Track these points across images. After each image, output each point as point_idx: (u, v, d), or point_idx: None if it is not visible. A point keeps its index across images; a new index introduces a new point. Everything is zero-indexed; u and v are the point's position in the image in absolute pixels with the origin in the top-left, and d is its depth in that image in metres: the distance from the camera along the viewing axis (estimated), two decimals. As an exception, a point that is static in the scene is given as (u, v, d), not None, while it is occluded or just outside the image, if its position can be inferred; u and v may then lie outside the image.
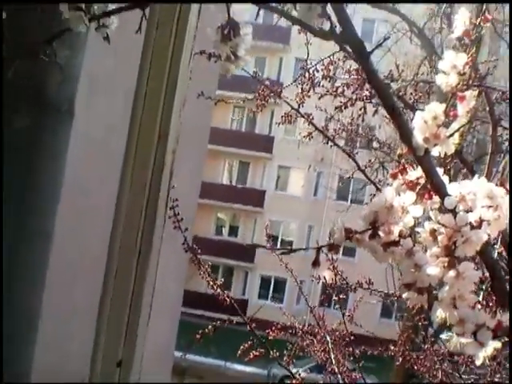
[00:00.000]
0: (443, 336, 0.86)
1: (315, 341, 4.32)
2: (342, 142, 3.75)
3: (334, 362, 3.69)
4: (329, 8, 0.97)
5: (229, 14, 1.02)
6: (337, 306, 3.56)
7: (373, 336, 4.69)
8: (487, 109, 2.36)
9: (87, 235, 1.99)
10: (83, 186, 2.19)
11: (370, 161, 3.71)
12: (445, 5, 10.14)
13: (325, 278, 3.43)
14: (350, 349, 3.44)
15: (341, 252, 0.97)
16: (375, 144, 4.88)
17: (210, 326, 2.97)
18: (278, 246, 23.59)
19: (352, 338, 3.26)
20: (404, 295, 0.86)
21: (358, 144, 4.82)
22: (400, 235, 0.89)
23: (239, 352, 3.03)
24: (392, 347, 3.85)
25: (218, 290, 2.79)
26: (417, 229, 0.93)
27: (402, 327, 5.56)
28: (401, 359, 3.70)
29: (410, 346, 3.98)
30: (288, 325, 4.47)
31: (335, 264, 3.18)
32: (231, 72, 1.07)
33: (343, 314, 3.27)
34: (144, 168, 0.84)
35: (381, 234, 0.91)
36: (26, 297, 1.38)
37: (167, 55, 0.85)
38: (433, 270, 0.86)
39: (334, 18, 0.97)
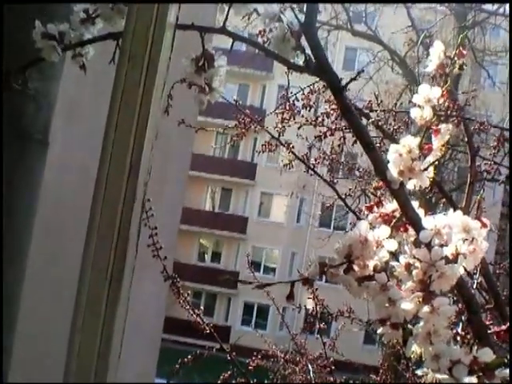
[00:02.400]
0: (419, 372, 0.84)
1: (297, 369, 4.29)
2: (324, 170, 3.75)
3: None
4: (303, 40, 0.97)
5: (203, 45, 1.01)
6: (321, 335, 3.54)
7: (356, 363, 4.67)
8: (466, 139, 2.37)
9: (58, 276, 1.98)
10: (57, 219, 2.17)
11: (350, 189, 3.71)
12: (423, 34, 10.23)
13: (305, 306, 3.42)
14: (332, 378, 3.42)
15: (324, 279, 0.96)
16: (357, 172, 4.89)
17: (189, 356, 2.94)
18: (262, 273, 23.56)
19: (333, 367, 3.24)
20: (378, 331, 0.85)
21: (340, 172, 4.83)
22: (374, 270, 0.88)
23: (219, 382, 3.00)
24: (374, 376, 3.83)
25: (198, 319, 2.77)
26: (392, 263, 0.92)
27: (383, 355, 5.54)
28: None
29: (392, 373, 3.96)
30: (270, 353, 4.45)
31: (316, 293, 3.16)
32: (205, 104, 1.06)
33: (324, 344, 3.25)
34: (114, 200, 0.83)
35: (355, 268, 0.90)
36: None
37: (139, 87, 0.84)
38: (407, 305, 0.85)
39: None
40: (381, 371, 3.88)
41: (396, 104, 2.91)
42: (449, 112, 1.82)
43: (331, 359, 3.30)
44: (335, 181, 3.19)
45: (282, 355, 4.51)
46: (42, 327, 2.06)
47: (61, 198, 2.10)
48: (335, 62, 21.95)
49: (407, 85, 11.64)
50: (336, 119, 2.64)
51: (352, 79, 0.93)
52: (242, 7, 0.96)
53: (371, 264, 0.90)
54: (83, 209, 2.14)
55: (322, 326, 3.18)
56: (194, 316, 2.88)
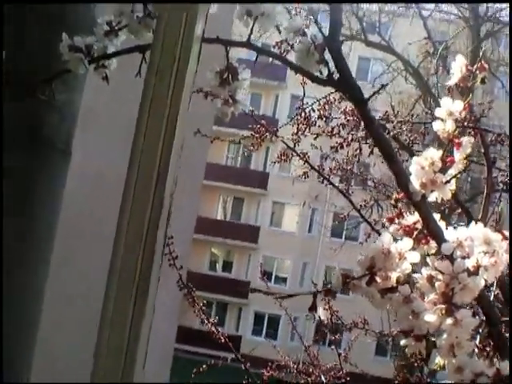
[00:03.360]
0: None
1: (310, 380, 4.28)
2: (336, 180, 3.76)
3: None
4: (327, 54, 0.98)
5: (227, 59, 1.03)
6: (332, 345, 3.53)
7: (368, 375, 4.66)
8: (482, 150, 2.37)
9: (82, 280, 1.98)
10: (79, 228, 2.19)
11: (365, 200, 3.71)
12: (442, 46, 10.24)
13: (320, 317, 3.42)
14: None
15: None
16: (370, 183, 4.89)
17: (204, 366, 2.95)
18: (273, 283, 23.53)
19: (348, 378, 3.23)
20: (402, 342, 0.86)
21: (352, 182, 4.84)
22: (397, 281, 0.89)
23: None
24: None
25: (213, 328, 2.78)
26: (414, 275, 0.93)
27: (396, 367, 5.52)
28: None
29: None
30: (282, 363, 4.44)
31: (330, 304, 3.16)
32: (229, 116, 1.08)
33: (339, 355, 3.24)
34: (142, 212, 0.84)
35: (378, 279, 0.91)
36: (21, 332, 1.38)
37: (166, 99, 0.85)
38: (430, 317, 0.85)
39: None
40: (395, 383, 3.87)
41: (412, 115, 2.92)
42: (465, 123, 1.82)
43: (345, 370, 3.29)
44: (350, 191, 3.19)
45: (295, 366, 4.50)
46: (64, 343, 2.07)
47: (80, 206, 2.12)
48: (348, 72, 21.85)
49: (420, 95, 11.63)
50: (352, 130, 2.64)
51: (375, 93, 0.95)
52: (267, 22, 0.98)
53: (394, 276, 0.91)
54: (101, 216, 2.17)
55: (336, 337, 3.18)
56: (209, 325, 2.89)
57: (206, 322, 2.85)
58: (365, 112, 0.96)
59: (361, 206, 3.27)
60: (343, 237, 19.56)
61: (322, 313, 3.43)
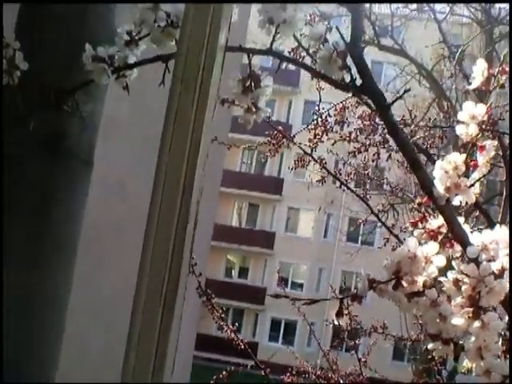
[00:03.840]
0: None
1: (329, 386, 4.28)
2: (352, 185, 3.77)
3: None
4: (349, 60, 0.99)
5: (250, 66, 1.03)
6: (351, 351, 3.53)
7: (385, 379, 4.65)
8: (500, 153, 2.37)
9: (105, 285, 1.99)
10: (100, 236, 2.21)
11: (383, 205, 3.71)
12: (460, 50, 10.22)
13: (339, 322, 3.41)
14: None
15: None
16: (386, 187, 4.89)
17: (224, 372, 2.95)
18: (289, 288, 23.52)
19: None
20: (429, 346, 0.86)
21: (368, 187, 4.84)
22: (424, 285, 0.89)
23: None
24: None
25: (232, 335, 2.78)
26: (440, 278, 0.93)
27: (415, 371, 5.51)
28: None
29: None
30: (301, 369, 4.44)
31: (349, 309, 3.15)
32: (251, 123, 1.08)
33: (359, 360, 3.24)
34: (169, 221, 0.85)
35: (404, 284, 0.91)
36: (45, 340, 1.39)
37: (191, 108, 0.86)
38: (458, 320, 0.86)
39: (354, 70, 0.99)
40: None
41: (429, 119, 2.92)
42: (483, 126, 1.83)
43: (365, 375, 3.29)
44: (368, 196, 3.20)
45: (313, 371, 4.50)
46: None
47: (101, 214, 2.13)
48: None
49: (434, 98, 11.60)
50: (369, 135, 2.65)
51: (398, 98, 0.95)
52: (288, 29, 0.98)
53: (420, 280, 0.91)
54: (122, 224, 2.18)
55: (356, 342, 3.18)
56: (228, 332, 2.89)
57: (226, 328, 2.86)
58: (388, 117, 0.97)
59: (379, 210, 3.26)
60: (359, 242, 19.54)
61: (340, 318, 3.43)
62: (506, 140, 2.53)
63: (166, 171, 0.88)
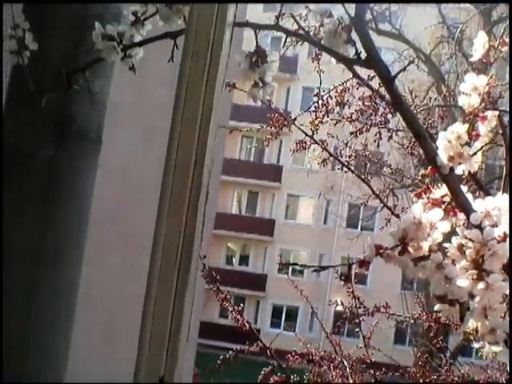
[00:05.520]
0: (476, 345, 0.88)
1: (332, 367, 4.32)
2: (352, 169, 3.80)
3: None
4: (354, 34, 1.01)
5: (257, 42, 1.06)
6: (353, 334, 3.57)
7: (389, 362, 4.69)
8: (500, 131, 2.39)
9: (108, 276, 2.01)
10: (110, 212, 2.23)
11: (383, 186, 3.74)
12: (458, 30, 10.23)
13: (342, 302, 3.46)
14: (371, 371, 3.45)
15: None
16: (387, 169, 4.92)
17: (230, 352, 2.99)
18: (289, 276, 23.50)
19: (371, 360, 3.27)
20: (436, 307, 0.89)
21: (368, 170, 4.87)
22: (430, 250, 0.92)
23: (260, 377, 3.03)
24: (413, 369, 3.87)
25: (238, 317, 2.82)
26: (444, 244, 0.96)
27: (418, 351, 5.55)
28: (421, 380, 3.71)
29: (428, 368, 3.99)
30: (305, 352, 4.48)
31: (352, 288, 3.20)
32: (258, 98, 1.11)
33: (364, 337, 3.28)
34: (182, 190, 0.88)
35: (410, 249, 0.94)
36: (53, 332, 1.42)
37: (202, 81, 0.89)
38: (463, 282, 0.89)
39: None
40: (418, 363, 3.91)
41: (429, 100, 2.94)
42: (483, 104, 1.85)
43: (369, 353, 3.33)
44: (369, 177, 3.23)
45: (316, 352, 4.55)
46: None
47: (106, 195, 2.16)
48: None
49: (433, 83, 11.62)
50: (370, 115, 2.68)
51: (402, 70, 0.98)
52: (294, 6, 1.01)
53: (425, 245, 0.94)
54: (127, 203, 2.19)
55: (360, 319, 3.22)
56: (234, 313, 2.93)
57: (230, 309, 2.89)
58: (392, 89, 1.00)
59: (379, 191, 3.29)
60: (359, 227, 19.57)
61: (339, 303, 3.47)
62: (506, 119, 2.56)
63: (179, 143, 0.90)
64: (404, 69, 0.99)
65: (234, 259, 27.17)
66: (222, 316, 23.37)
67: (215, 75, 0.92)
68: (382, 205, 5.63)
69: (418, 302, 4.18)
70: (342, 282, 0.99)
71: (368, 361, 3.27)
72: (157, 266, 0.91)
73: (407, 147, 3.18)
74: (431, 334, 3.77)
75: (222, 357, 3.01)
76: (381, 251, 0.94)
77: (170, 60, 1.08)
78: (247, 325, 2.87)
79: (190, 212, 0.90)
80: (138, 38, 1.22)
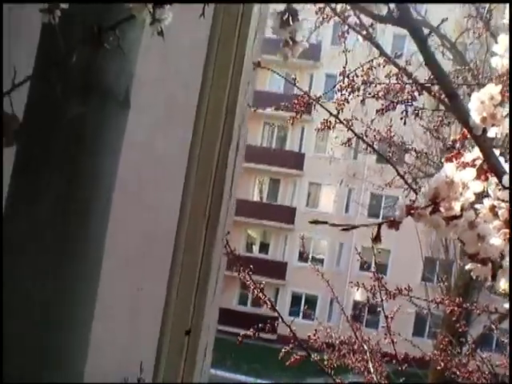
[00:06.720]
0: (506, 305, 0.87)
1: (352, 351, 4.33)
2: (373, 158, 3.77)
3: (372, 370, 3.69)
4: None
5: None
6: (371, 324, 3.56)
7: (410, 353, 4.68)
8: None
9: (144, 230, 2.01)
10: (134, 182, 2.23)
11: (409, 167, 3.73)
12: (487, 8, 10.13)
13: (363, 285, 3.45)
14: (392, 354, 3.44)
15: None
16: (411, 154, 4.89)
17: (251, 330, 2.99)
18: (309, 264, 23.47)
19: (394, 341, 3.26)
20: (467, 266, 0.88)
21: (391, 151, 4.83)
22: (462, 209, 0.91)
23: (281, 355, 3.03)
24: (435, 352, 3.85)
25: (260, 294, 2.82)
26: (476, 205, 0.95)
27: (439, 340, 5.53)
28: (442, 364, 3.70)
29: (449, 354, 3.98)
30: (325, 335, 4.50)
31: (376, 273, 3.19)
32: (289, 58, 1.10)
33: (386, 317, 3.27)
34: (212, 143, 0.87)
35: (441, 209, 0.93)
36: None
37: (234, 33, 0.88)
38: (496, 240, 0.88)
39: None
40: (440, 347, 3.90)
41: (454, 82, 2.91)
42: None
43: (391, 338, 3.32)
44: (386, 168, 3.21)
45: (338, 336, 4.56)
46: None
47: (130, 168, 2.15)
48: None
49: (459, 69, 11.51)
50: (397, 93, 2.66)
51: (443, 21, 0.96)
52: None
53: (457, 205, 0.92)
54: (151, 175, 2.18)
55: (386, 298, 3.21)
56: (256, 292, 2.93)
57: (252, 287, 2.89)
58: (426, 48, 0.98)
59: (404, 172, 3.28)
60: (380, 216, 19.54)
61: (359, 294, 3.46)
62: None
63: (210, 95, 0.90)
64: (441, 22, 0.98)
65: (254, 246, 27.22)
66: (241, 303, 23.41)
67: (247, 29, 0.91)
68: (404, 194, 5.59)
69: (440, 287, 4.16)
70: (371, 244, 0.98)
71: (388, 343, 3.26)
72: (185, 221, 0.91)
73: (434, 128, 3.15)
74: (453, 319, 3.75)
75: (242, 333, 3.02)
76: (412, 211, 0.93)
77: (200, 16, 1.07)
78: (269, 302, 2.87)
79: (220, 161, 0.90)
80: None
